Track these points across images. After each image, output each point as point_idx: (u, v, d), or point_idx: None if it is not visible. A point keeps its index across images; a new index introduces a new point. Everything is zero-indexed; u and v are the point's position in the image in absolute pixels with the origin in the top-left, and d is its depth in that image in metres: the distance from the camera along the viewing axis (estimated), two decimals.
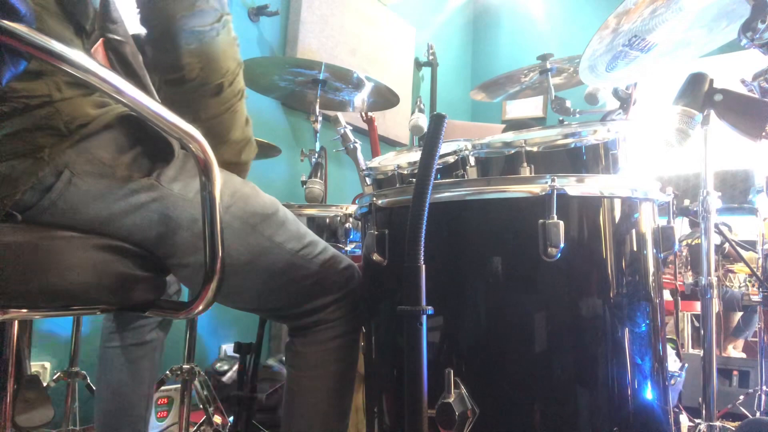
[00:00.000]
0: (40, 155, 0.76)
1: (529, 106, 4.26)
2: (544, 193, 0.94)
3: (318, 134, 2.15)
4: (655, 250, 1.07)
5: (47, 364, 2.05)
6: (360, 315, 1.14)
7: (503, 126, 4.27)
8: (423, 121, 2.25)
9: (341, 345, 1.08)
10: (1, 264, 0.72)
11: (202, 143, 0.75)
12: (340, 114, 2.07)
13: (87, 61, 0.65)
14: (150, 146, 0.85)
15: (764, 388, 2.17)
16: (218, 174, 0.77)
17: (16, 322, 0.85)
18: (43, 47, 0.62)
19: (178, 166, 0.88)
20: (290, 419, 1.07)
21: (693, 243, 2.28)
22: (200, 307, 0.81)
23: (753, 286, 2.76)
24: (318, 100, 2.13)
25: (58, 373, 1.80)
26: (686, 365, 1.46)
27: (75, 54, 0.65)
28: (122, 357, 1.36)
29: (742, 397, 2.29)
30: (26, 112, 0.76)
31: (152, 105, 0.71)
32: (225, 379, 2.30)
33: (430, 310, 0.79)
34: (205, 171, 0.75)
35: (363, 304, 1.14)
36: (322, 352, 1.07)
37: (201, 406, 1.88)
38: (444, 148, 1.21)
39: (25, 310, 0.78)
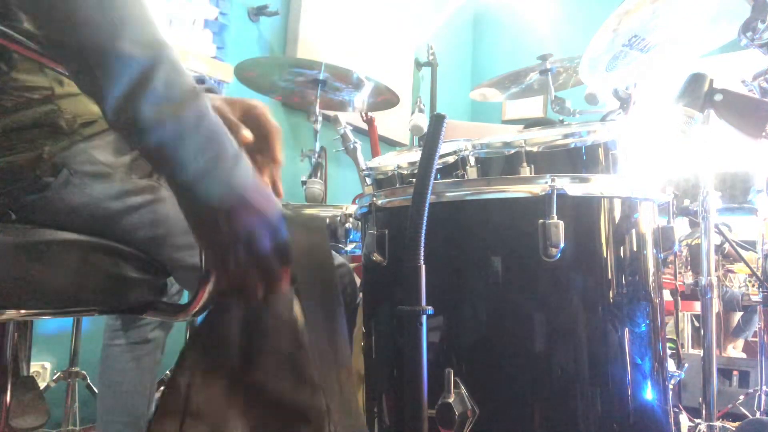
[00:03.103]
0: (39, 153, 0.75)
1: (529, 106, 4.26)
2: (544, 193, 0.94)
3: (318, 134, 2.15)
4: (655, 250, 1.07)
5: (47, 364, 2.05)
6: (353, 312, 1.14)
7: (503, 126, 4.28)
8: (423, 121, 2.25)
9: None
10: None
11: None
12: (340, 114, 2.07)
13: None
14: None
15: (764, 388, 2.17)
16: None
17: (12, 323, 0.85)
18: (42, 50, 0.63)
19: None
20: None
21: (693, 243, 2.28)
22: (197, 309, 0.80)
23: (753, 286, 2.76)
24: (318, 100, 2.13)
25: (58, 373, 1.80)
26: (686, 365, 1.46)
27: None
28: (126, 355, 1.36)
29: (742, 397, 2.29)
30: (28, 107, 0.75)
31: None
32: None
33: (430, 310, 0.78)
34: None
35: (356, 301, 1.15)
36: None
37: None
38: (444, 148, 1.21)
39: (21, 312, 0.77)
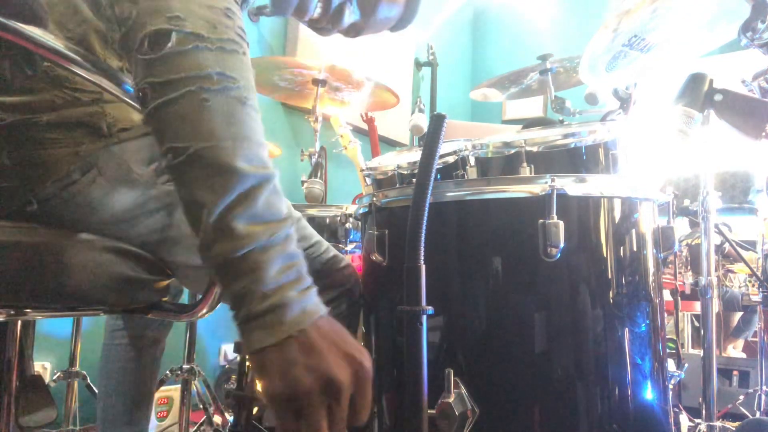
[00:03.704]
0: (75, 150, 0.76)
1: (529, 106, 4.26)
2: (544, 193, 0.94)
3: (318, 134, 2.15)
4: (655, 250, 1.07)
5: (47, 364, 2.05)
6: (357, 311, 1.14)
7: (503, 126, 4.28)
8: (423, 121, 2.25)
9: None
10: (7, 264, 0.72)
11: None
12: (340, 114, 2.07)
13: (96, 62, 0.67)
14: None
15: (764, 388, 2.17)
16: None
17: (20, 322, 0.85)
18: (54, 49, 0.63)
19: None
20: None
21: (693, 243, 2.28)
22: (204, 310, 0.81)
23: (753, 286, 2.76)
24: (318, 100, 2.13)
25: (58, 373, 1.80)
26: (686, 365, 1.46)
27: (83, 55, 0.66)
28: (126, 354, 1.37)
29: (742, 397, 2.29)
30: (76, 106, 0.76)
31: None
32: None
33: (430, 310, 0.79)
34: None
35: (360, 301, 1.15)
36: None
37: (201, 406, 1.88)
38: (444, 148, 1.21)
39: (28, 311, 0.78)
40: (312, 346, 0.56)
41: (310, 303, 0.58)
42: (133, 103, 0.70)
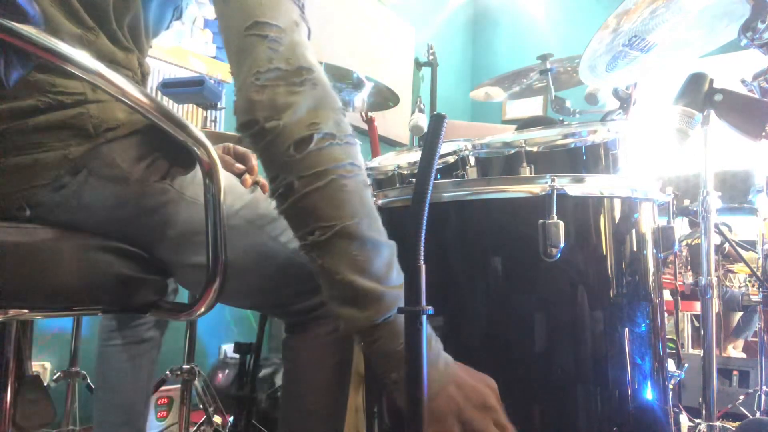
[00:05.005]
0: (63, 153, 0.77)
1: (530, 106, 4.26)
2: (544, 193, 0.94)
3: None
4: (655, 250, 1.06)
5: (47, 364, 2.05)
6: None
7: (503, 126, 4.28)
8: (423, 121, 2.25)
9: (338, 339, 1.09)
10: (5, 264, 0.72)
11: (207, 146, 0.75)
12: None
13: (91, 62, 0.66)
14: (171, 153, 0.85)
15: (764, 388, 2.18)
16: (223, 177, 0.77)
17: (16, 321, 0.85)
18: (49, 48, 0.63)
19: (195, 172, 0.88)
20: (288, 415, 1.07)
21: (693, 243, 2.28)
22: (202, 309, 0.81)
23: (753, 286, 2.76)
24: None
25: (58, 373, 1.80)
26: (686, 365, 1.46)
27: (80, 55, 0.65)
28: (122, 355, 1.36)
29: (742, 397, 2.29)
30: (60, 109, 0.77)
31: (157, 105, 0.71)
32: None
33: (430, 310, 0.78)
34: (209, 174, 0.76)
35: None
36: (319, 346, 1.07)
37: (201, 406, 1.88)
38: (444, 148, 1.21)
39: (26, 311, 0.78)
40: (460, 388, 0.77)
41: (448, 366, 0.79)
42: (126, 101, 0.70)
